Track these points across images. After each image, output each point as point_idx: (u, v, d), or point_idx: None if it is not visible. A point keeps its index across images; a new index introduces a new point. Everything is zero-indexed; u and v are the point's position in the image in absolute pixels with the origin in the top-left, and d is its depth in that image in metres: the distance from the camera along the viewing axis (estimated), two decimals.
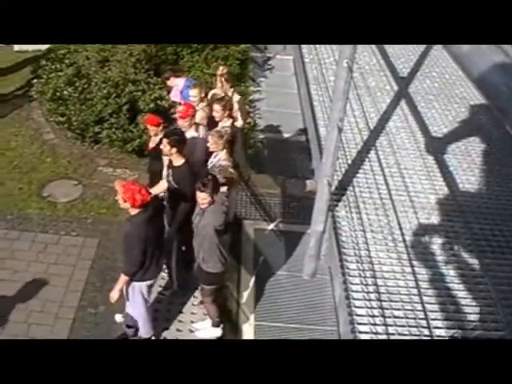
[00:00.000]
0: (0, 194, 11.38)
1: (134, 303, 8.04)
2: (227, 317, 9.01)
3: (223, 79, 10.58)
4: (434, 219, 7.45)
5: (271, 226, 11.15)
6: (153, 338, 8.41)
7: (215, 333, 8.65)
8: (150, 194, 7.65)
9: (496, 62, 10.98)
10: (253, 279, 9.91)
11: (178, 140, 8.56)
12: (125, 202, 7.42)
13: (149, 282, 7.93)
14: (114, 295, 7.83)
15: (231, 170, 8.99)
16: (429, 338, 5.73)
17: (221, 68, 10.80)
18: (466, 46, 10.82)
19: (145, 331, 8.35)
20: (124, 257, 7.79)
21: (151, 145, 9.54)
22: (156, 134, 9.30)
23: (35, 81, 13.90)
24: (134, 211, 7.48)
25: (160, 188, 8.86)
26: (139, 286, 7.88)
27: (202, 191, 7.62)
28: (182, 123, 9.29)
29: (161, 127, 9.25)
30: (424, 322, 5.92)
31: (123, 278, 7.73)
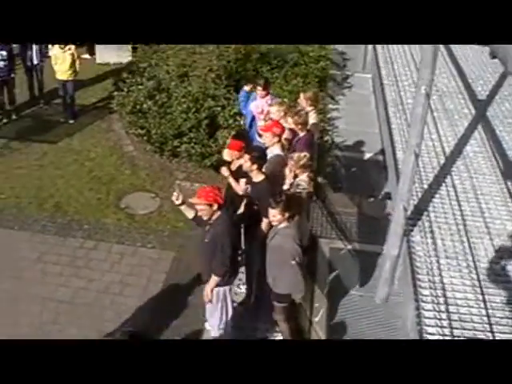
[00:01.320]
0: (78, 204, 11.55)
1: (216, 309, 8.03)
2: (299, 335, 8.88)
3: (308, 103, 10.48)
4: (510, 246, 7.21)
5: (347, 246, 11.01)
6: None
7: None
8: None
9: None
10: (326, 298, 9.78)
11: (260, 157, 8.52)
12: (210, 205, 7.46)
13: (231, 287, 7.96)
14: (208, 296, 7.87)
15: (309, 191, 8.90)
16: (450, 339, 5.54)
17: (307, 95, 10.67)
18: None
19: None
20: (213, 260, 7.72)
21: (233, 167, 9.41)
22: (238, 158, 9.14)
23: (116, 93, 14.11)
24: (216, 215, 7.50)
25: (238, 186, 8.87)
26: (224, 291, 7.90)
27: (273, 208, 7.57)
28: (265, 139, 9.24)
29: (243, 151, 9.15)
30: None
31: (215, 280, 7.75)
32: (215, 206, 7.52)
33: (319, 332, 9.16)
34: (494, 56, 9.36)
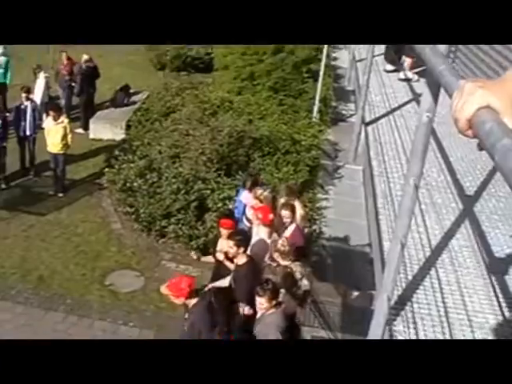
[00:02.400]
0: (63, 278, 11.50)
1: None
2: None
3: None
4: (491, 339, 7.23)
5: (329, 335, 10.95)
6: None
7: None
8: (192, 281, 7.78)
9: None
10: None
11: (244, 239, 8.55)
12: (177, 297, 7.48)
13: None
14: None
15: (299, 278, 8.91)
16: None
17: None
18: None
19: None
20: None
21: (220, 247, 9.40)
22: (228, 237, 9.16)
23: (107, 170, 14.21)
24: (193, 302, 7.49)
25: (222, 283, 8.84)
26: None
27: (260, 296, 7.55)
28: (264, 227, 9.28)
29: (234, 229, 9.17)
30: None
31: None
32: (182, 300, 7.52)
33: None
34: (481, 148, 9.40)
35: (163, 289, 7.81)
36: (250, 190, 10.92)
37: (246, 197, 10.84)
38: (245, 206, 10.90)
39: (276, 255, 8.83)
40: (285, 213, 9.63)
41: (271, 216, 9.32)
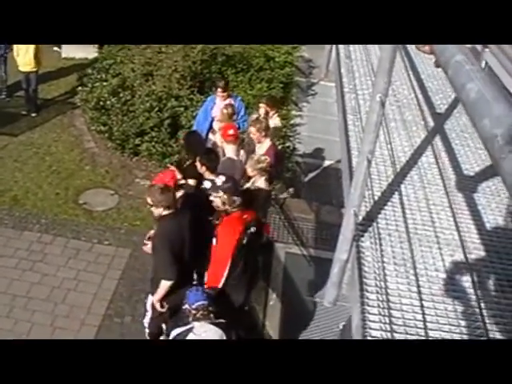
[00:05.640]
0: (37, 198, 11.49)
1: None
2: (252, 336, 8.95)
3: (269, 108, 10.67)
4: (458, 256, 7.35)
5: (302, 251, 11.12)
6: None
7: None
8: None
9: None
10: (280, 302, 9.87)
11: (211, 159, 8.52)
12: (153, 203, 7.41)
13: None
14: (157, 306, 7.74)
15: (267, 191, 8.97)
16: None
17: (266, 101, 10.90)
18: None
19: None
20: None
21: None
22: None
23: (80, 88, 14.09)
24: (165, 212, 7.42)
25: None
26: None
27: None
28: (228, 145, 9.29)
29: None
30: None
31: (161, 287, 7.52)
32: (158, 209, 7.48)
33: (272, 335, 9.25)
34: (437, 65, 9.53)
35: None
36: (224, 98, 10.95)
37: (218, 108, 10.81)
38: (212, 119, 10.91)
39: (250, 170, 8.85)
40: (255, 129, 9.66)
41: (232, 132, 9.31)
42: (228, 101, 10.89)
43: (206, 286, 7.51)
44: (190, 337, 6.71)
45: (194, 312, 6.75)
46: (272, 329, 9.40)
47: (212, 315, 6.92)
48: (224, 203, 7.49)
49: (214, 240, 7.57)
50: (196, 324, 6.73)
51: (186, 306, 6.80)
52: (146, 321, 8.18)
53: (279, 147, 11.78)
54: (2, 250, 10.03)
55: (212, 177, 8.19)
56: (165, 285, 7.37)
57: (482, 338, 6.25)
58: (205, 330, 6.74)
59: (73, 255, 10.18)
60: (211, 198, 7.60)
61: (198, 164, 8.39)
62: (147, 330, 8.11)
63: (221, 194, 7.47)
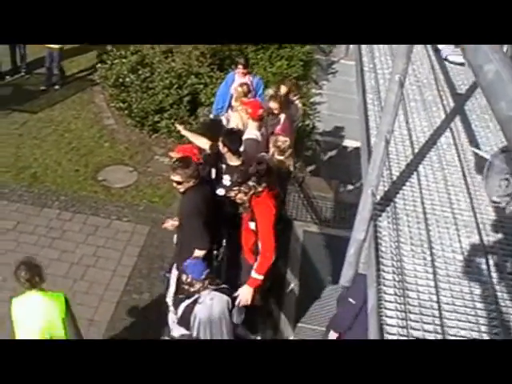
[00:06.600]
0: (56, 175, 11.51)
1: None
2: (267, 313, 8.96)
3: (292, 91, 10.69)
4: (475, 239, 7.29)
5: (321, 230, 11.08)
6: None
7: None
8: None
9: None
10: (297, 280, 9.85)
11: (233, 140, 8.48)
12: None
13: None
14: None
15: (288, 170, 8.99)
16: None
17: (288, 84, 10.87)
18: None
19: None
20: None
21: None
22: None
23: (99, 65, 14.05)
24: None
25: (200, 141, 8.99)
26: None
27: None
28: (253, 122, 9.27)
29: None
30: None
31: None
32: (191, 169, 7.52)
33: (288, 312, 9.25)
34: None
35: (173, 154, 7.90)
36: (244, 75, 10.92)
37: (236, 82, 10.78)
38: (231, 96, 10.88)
39: (273, 150, 8.90)
40: (273, 104, 9.70)
41: (261, 111, 9.31)
42: (247, 78, 10.85)
43: (257, 267, 7.59)
44: (199, 307, 6.87)
45: (202, 283, 6.87)
46: (288, 305, 9.40)
47: (218, 280, 7.13)
48: (245, 193, 7.52)
49: (253, 224, 7.65)
50: (202, 293, 6.87)
51: (191, 279, 6.88)
52: (170, 296, 8.18)
53: (299, 125, 11.74)
54: (22, 227, 10.07)
55: (233, 161, 8.33)
56: (199, 254, 7.51)
57: (495, 322, 6.22)
58: (211, 298, 6.89)
59: (92, 232, 10.22)
60: (233, 197, 7.69)
61: (220, 145, 8.36)
62: (172, 308, 8.08)
63: (236, 189, 7.57)
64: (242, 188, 7.47)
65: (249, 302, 7.58)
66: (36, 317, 6.64)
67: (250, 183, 7.47)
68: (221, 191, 8.29)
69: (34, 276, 6.64)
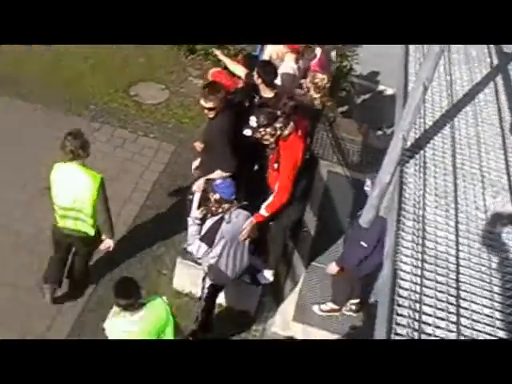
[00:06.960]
0: (88, 84, 11.45)
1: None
2: (282, 249, 8.97)
3: None
4: (500, 199, 7.23)
5: (345, 172, 11.03)
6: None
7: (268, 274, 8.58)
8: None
9: None
10: (315, 220, 9.84)
11: (268, 71, 8.38)
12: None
13: None
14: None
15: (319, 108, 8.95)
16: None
17: None
18: None
19: None
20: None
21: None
22: None
23: None
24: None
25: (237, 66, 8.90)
26: None
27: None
28: (290, 54, 9.15)
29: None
30: (463, 295, 5.77)
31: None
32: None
33: (303, 251, 9.27)
34: None
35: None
36: None
37: None
38: None
39: (310, 85, 8.80)
40: None
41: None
42: None
43: (268, 205, 7.67)
44: (226, 226, 7.07)
45: (231, 202, 7.11)
46: (304, 244, 9.41)
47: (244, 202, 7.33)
48: (272, 135, 7.50)
49: (277, 165, 7.67)
50: (230, 212, 7.09)
51: (219, 198, 7.08)
52: (193, 213, 8.15)
53: (336, 65, 11.61)
54: (49, 131, 9.98)
55: (266, 93, 8.25)
56: (219, 174, 7.55)
57: (509, 285, 6.20)
58: (236, 216, 7.13)
59: (119, 144, 10.29)
60: (259, 139, 7.65)
61: (255, 75, 8.28)
62: (194, 224, 8.07)
63: (262, 131, 7.50)
64: (269, 130, 7.45)
65: (249, 235, 7.60)
66: (70, 186, 7.01)
67: (277, 125, 7.44)
68: (247, 132, 8.21)
69: (77, 148, 6.88)
